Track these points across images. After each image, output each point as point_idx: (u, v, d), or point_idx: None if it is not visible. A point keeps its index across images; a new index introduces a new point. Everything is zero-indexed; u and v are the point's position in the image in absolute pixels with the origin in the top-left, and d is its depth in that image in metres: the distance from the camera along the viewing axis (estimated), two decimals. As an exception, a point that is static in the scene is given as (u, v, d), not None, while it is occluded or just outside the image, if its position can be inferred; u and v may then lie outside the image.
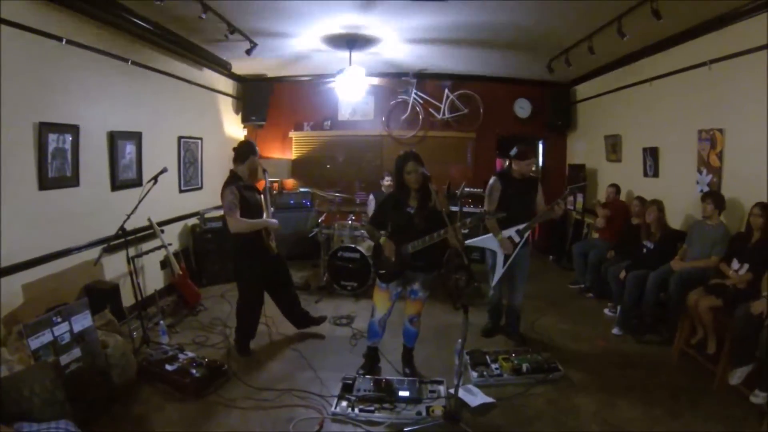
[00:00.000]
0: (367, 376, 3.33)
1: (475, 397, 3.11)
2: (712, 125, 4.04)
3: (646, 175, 5.16)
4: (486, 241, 3.85)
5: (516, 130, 7.32)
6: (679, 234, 4.35)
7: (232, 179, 3.59)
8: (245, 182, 3.64)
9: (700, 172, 4.24)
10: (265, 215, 3.78)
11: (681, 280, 3.78)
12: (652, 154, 5.00)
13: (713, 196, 3.85)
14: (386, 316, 3.41)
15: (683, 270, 3.88)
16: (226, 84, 6.75)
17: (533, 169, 3.98)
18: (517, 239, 3.75)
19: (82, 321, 2.92)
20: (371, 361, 3.58)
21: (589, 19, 4.08)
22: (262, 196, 3.86)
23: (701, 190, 4.15)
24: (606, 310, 4.73)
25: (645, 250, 4.42)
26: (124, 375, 3.09)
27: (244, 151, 3.64)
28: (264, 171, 4.22)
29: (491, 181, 3.90)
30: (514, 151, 3.82)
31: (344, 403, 3.01)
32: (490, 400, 3.08)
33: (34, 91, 3.36)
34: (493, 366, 3.47)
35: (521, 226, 3.73)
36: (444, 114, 7.12)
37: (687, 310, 3.60)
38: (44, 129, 3.40)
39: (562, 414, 2.97)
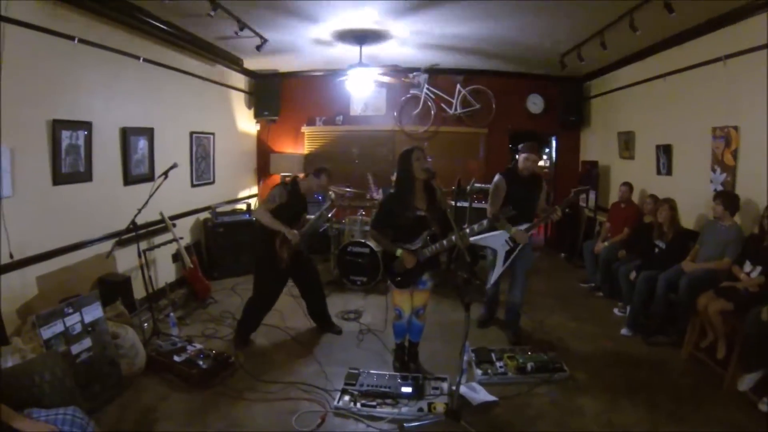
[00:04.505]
0: (371, 371, 3.35)
1: (477, 394, 3.10)
2: (727, 123, 3.94)
3: (659, 173, 5.07)
4: (488, 239, 3.82)
5: (529, 125, 7.24)
6: (691, 234, 4.26)
7: (291, 183, 3.85)
8: (301, 191, 3.86)
9: (714, 170, 4.14)
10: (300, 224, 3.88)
11: (691, 282, 3.69)
12: (665, 152, 4.91)
13: (724, 196, 3.74)
14: (410, 316, 3.41)
15: (694, 271, 3.79)
16: (238, 79, 6.79)
17: (539, 165, 3.96)
18: None
19: (93, 312, 2.99)
20: (402, 355, 3.58)
21: (601, 13, 4.00)
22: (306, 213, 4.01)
23: (715, 190, 4.05)
24: (615, 310, 4.68)
25: (657, 250, 4.35)
26: (133, 365, 3.18)
27: (317, 171, 3.88)
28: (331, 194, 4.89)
29: (496, 179, 3.91)
30: (521, 147, 3.88)
31: (347, 398, 3.04)
32: (492, 398, 3.07)
33: (48, 89, 3.43)
34: (498, 364, 3.47)
35: (524, 226, 3.71)
36: (456, 109, 7.06)
37: (697, 313, 3.53)
38: (58, 126, 3.48)
39: (564, 414, 2.96)
